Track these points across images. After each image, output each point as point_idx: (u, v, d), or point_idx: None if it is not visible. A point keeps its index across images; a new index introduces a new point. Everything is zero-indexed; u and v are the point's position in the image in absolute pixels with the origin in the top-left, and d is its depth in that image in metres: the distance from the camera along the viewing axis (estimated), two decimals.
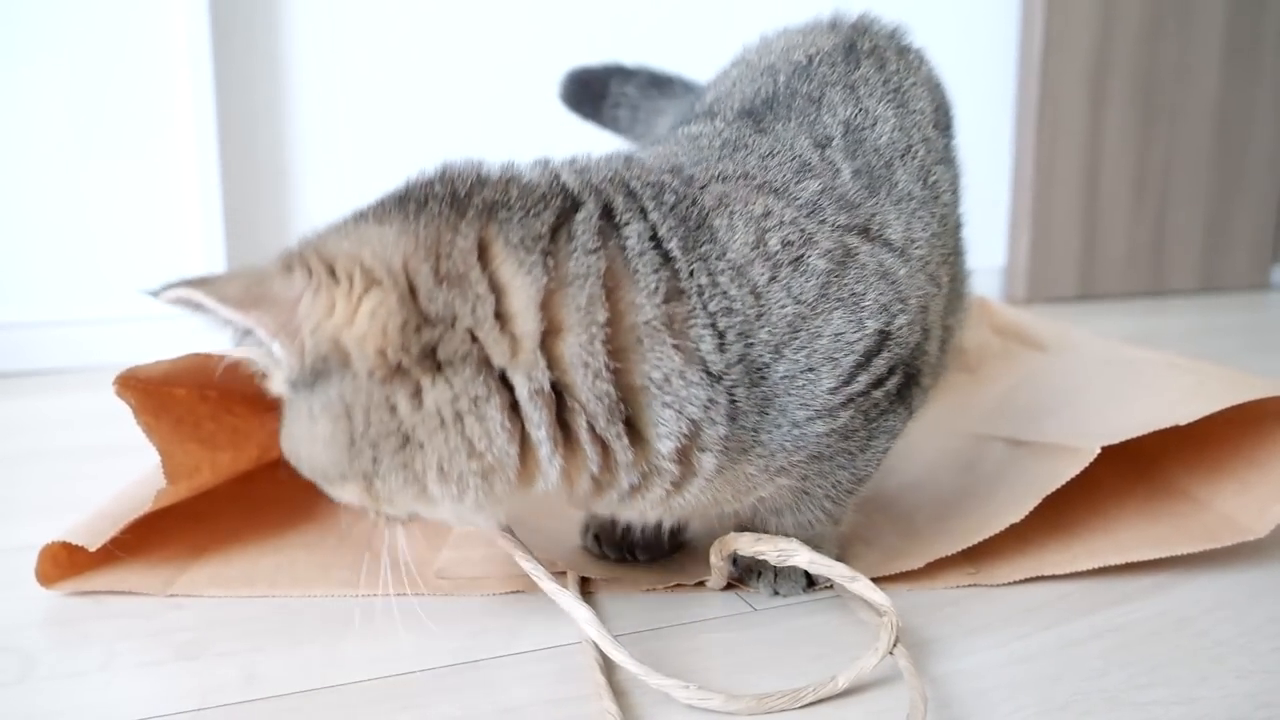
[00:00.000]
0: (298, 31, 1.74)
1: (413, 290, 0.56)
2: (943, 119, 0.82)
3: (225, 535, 0.77)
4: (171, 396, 0.77)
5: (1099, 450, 0.72)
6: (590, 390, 0.57)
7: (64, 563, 0.70)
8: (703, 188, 0.64)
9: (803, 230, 0.63)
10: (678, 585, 0.71)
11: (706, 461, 0.61)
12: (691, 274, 0.59)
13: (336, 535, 0.78)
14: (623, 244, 0.59)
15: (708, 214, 0.62)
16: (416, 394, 0.56)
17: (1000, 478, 0.82)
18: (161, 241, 1.61)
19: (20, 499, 0.94)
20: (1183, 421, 0.73)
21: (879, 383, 0.64)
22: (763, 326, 0.61)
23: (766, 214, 0.63)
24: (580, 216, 0.59)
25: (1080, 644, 0.63)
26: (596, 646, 0.59)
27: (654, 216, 0.61)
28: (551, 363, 0.57)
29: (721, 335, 0.59)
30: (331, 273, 0.57)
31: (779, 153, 0.69)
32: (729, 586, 0.72)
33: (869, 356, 0.63)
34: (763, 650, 0.63)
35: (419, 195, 0.60)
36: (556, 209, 0.59)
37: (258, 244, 1.76)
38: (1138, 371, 0.91)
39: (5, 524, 0.86)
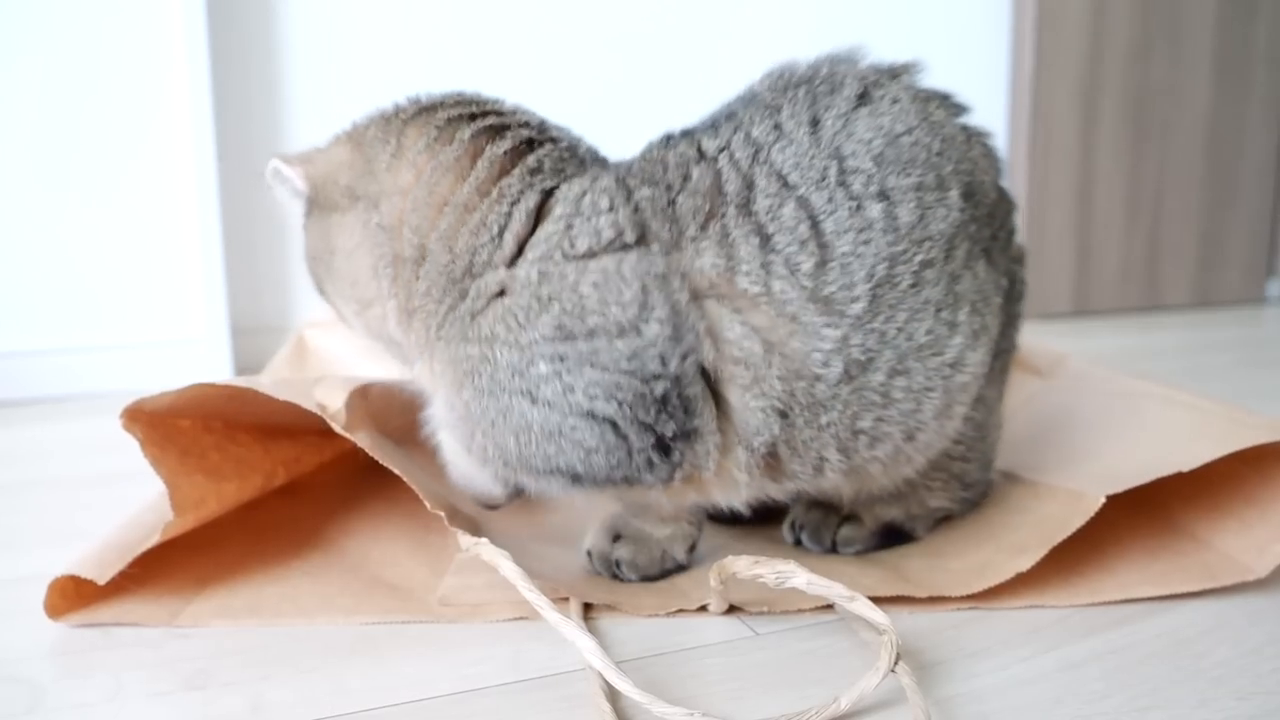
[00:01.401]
0: (295, 53, 1.76)
1: (361, 143, 0.76)
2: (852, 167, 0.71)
3: (230, 565, 0.77)
4: (177, 428, 0.78)
5: (1104, 500, 0.73)
6: (406, 238, 0.72)
7: (71, 595, 0.70)
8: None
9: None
10: (679, 610, 0.72)
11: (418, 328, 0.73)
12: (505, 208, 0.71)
13: (340, 564, 0.79)
14: (488, 162, 0.72)
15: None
16: (340, 228, 0.75)
17: (1003, 518, 0.82)
18: (159, 268, 1.62)
19: (23, 528, 0.94)
20: (1185, 468, 0.73)
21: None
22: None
23: (581, 195, 0.71)
24: (475, 126, 0.74)
25: (1081, 666, 0.64)
26: (600, 674, 0.60)
27: (549, 183, 0.72)
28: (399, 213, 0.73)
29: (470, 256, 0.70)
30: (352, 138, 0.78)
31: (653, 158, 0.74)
32: (730, 610, 0.72)
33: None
34: (765, 674, 0.64)
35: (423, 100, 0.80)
36: (464, 119, 0.75)
37: (258, 271, 1.77)
38: (1137, 407, 0.90)
39: (9, 554, 0.86)
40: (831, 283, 0.68)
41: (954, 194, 0.72)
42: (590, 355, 0.67)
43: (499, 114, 0.76)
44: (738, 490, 0.74)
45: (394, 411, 0.82)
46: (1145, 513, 0.83)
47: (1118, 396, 0.97)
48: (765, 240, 0.68)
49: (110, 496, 0.93)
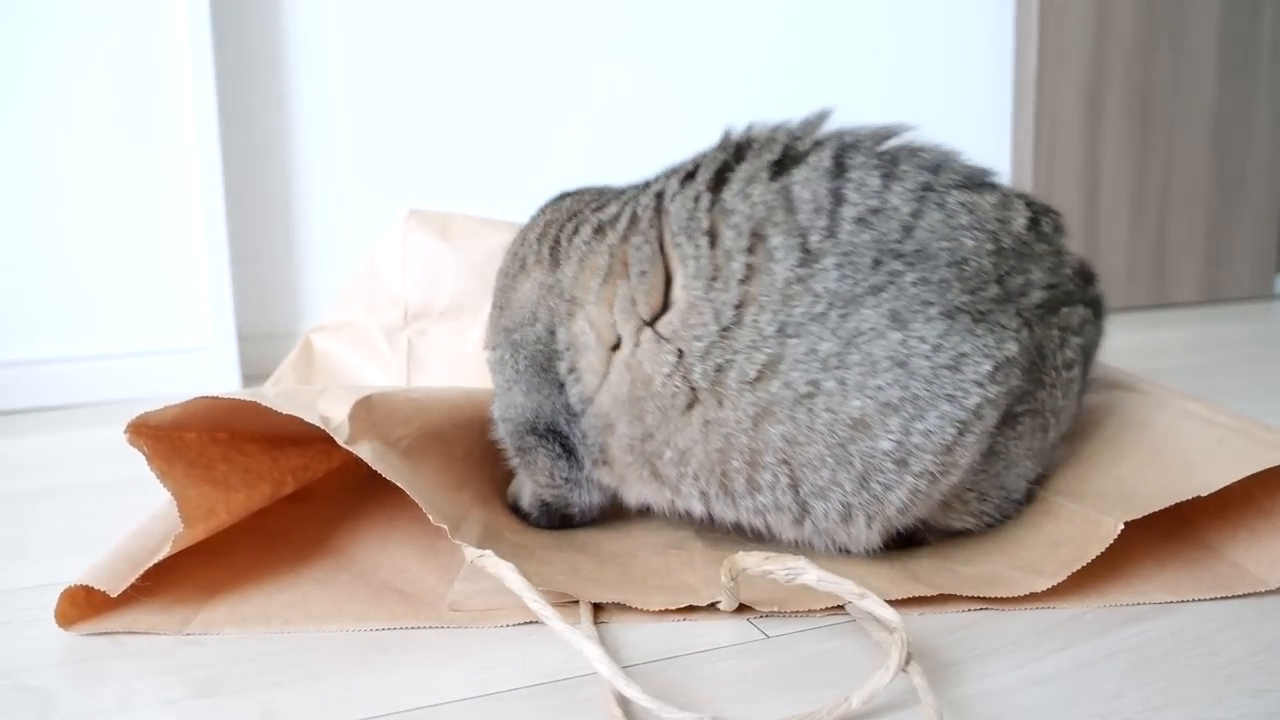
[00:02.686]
0: (300, 61, 1.76)
1: None
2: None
3: (240, 573, 0.77)
4: (182, 440, 0.78)
5: (1122, 527, 0.72)
6: None
7: (82, 603, 0.70)
8: None
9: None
10: (690, 608, 0.72)
11: None
12: None
13: (349, 570, 0.79)
14: None
15: None
16: None
17: (1015, 532, 0.81)
18: (168, 276, 1.62)
19: (33, 537, 0.94)
20: (1203, 493, 0.72)
21: None
22: None
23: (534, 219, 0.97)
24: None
25: (1093, 665, 0.64)
26: (614, 689, 0.60)
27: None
28: None
29: None
30: None
31: None
32: (740, 609, 0.72)
33: None
34: (776, 677, 0.64)
35: None
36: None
37: (264, 279, 1.77)
38: (1151, 419, 0.88)
39: (22, 562, 0.86)
40: (672, 321, 0.76)
41: (867, 259, 0.72)
42: (520, 343, 0.87)
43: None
44: (646, 489, 0.83)
45: (398, 422, 0.81)
46: (1156, 516, 0.82)
47: (1132, 405, 0.94)
48: (617, 271, 0.80)
49: (120, 504, 0.94)
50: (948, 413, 0.72)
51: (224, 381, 1.61)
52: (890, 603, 0.64)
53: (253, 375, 1.67)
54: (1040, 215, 0.79)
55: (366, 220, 1.78)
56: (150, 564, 0.71)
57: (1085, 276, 0.82)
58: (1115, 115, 2.33)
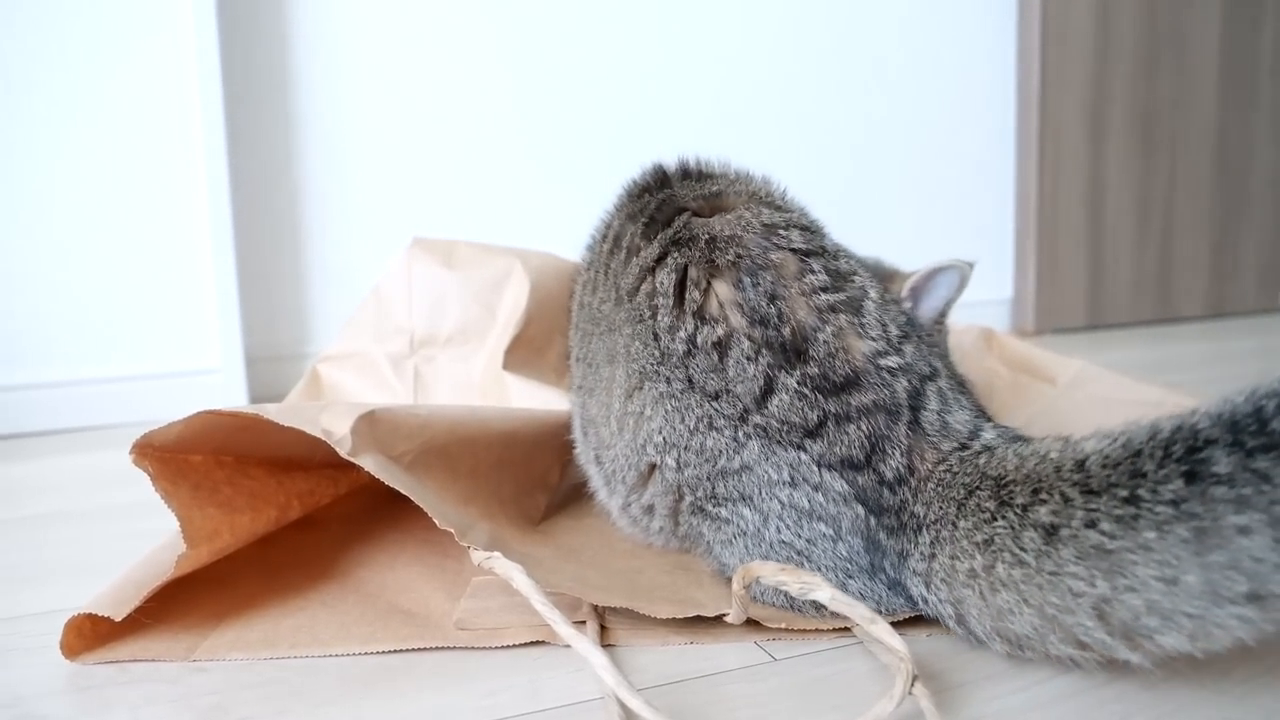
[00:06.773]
0: (308, 85, 1.77)
1: None
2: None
3: (245, 599, 0.77)
4: (188, 463, 0.78)
5: None
6: None
7: (88, 633, 0.70)
8: None
9: None
10: (698, 626, 0.72)
11: None
12: None
13: (356, 593, 0.79)
14: None
15: None
16: None
17: None
18: (176, 300, 1.63)
19: (40, 562, 0.94)
20: None
21: None
22: None
23: None
24: None
25: (1101, 687, 0.63)
26: (618, 701, 0.60)
27: None
28: None
29: None
30: None
31: None
32: (748, 624, 0.72)
33: None
34: (784, 701, 0.64)
35: None
36: None
37: (272, 302, 1.78)
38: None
39: (30, 587, 0.86)
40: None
41: (611, 299, 0.86)
42: None
43: None
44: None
45: (401, 437, 0.82)
46: None
47: (1129, 405, 0.96)
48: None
49: (128, 528, 0.94)
50: (630, 443, 0.81)
51: (232, 404, 1.62)
52: (897, 623, 0.64)
53: (261, 398, 1.67)
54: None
55: (374, 243, 1.79)
56: (155, 587, 0.70)
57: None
58: (1118, 132, 2.34)
